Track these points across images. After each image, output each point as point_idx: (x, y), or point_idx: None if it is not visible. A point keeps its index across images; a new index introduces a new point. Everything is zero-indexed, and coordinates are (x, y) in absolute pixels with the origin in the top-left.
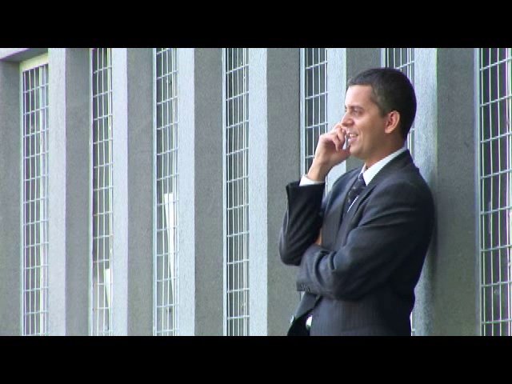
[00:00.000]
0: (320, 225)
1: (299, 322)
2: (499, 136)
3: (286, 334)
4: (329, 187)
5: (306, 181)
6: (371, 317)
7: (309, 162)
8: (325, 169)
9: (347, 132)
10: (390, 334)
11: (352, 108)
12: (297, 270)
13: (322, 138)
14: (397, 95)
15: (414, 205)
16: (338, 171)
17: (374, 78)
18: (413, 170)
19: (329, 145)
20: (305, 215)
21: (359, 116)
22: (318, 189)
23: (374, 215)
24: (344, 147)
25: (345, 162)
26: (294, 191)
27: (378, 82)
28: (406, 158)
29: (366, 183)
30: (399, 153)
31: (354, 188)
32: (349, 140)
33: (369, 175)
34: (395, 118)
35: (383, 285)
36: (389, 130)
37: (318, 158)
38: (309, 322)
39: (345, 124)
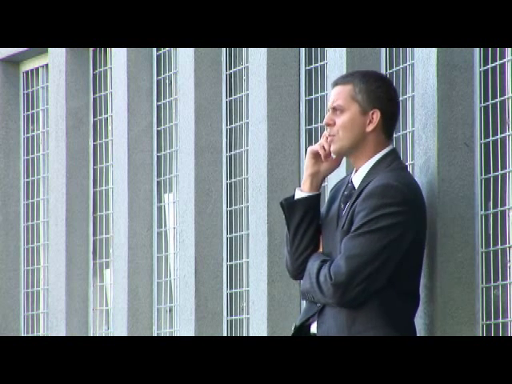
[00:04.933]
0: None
1: (301, 328)
2: (499, 136)
3: (285, 334)
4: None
5: (299, 194)
6: (375, 320)
7: None
8: (316, 179)
9: (328, 133)
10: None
11: (334, 108)
12: None
13: (309, 149)
14: (377, 93)
15: (401, 204)
16: (336, 178)
17: (355, 77)
18: (399, 169)
19: (317, 155)
20: (304, 228)
21: (340, 115)
22: (313, 200)
23: (363, 219)
24: (333, 156)
25: (344, 169)
26: (289, 205)
27: (360, 81)
28: (391, 157)
29: (356, 187)
30: (384, 152)
31: (346, 193)
32: (329, 139)
33: (357, 178)
34: (376, 116)
35: (385, 286)
36: (369, 128)
37: (307, 169)
38: (313, 329)
39: (327, 124)
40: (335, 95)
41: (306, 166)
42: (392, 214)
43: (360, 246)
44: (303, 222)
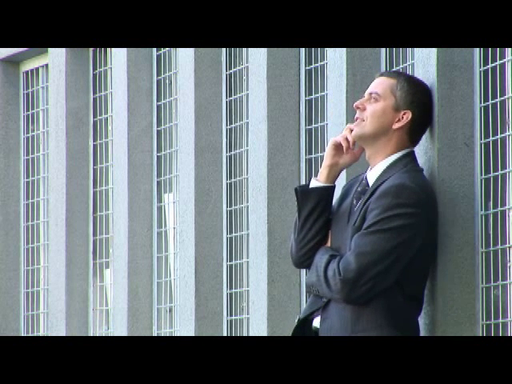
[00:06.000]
0: (330, 227)
1: (304, 322)
2: (499, 136)
3: (285, 334)
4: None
5: (314, 183)
6: (379, 319)
7: (309, 161)
8: (334, 171)
9: (356, 116)
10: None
11: (370, 94)
12: (296, 270)
13: (331, 140)
14: (416, 97)
15: (415, 205)
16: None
17: (402, 75)
18: (415, 171)
19: (338, 147)
20: (314, 217)
21: (374, 103)
22: (327, 191)
23: (376, 218)
24: (355, 149)
25: (344, 177)
26: (303, 193)
27: (404, 80)
28: (409, 158)
29: (370, 184)
30: (402, 153)
31: (359, 189)
32: (355, 123)
33: (372, 175)
34: (406, 117)
35: (392, 287)
36: (396, 125)
37: (326, 160)
38: (315, 323)
39: (356, 106)
40: (376, 84)
41: (326, 156)
42: (405, 215)
43: (371, 244)
44: (314, 211)
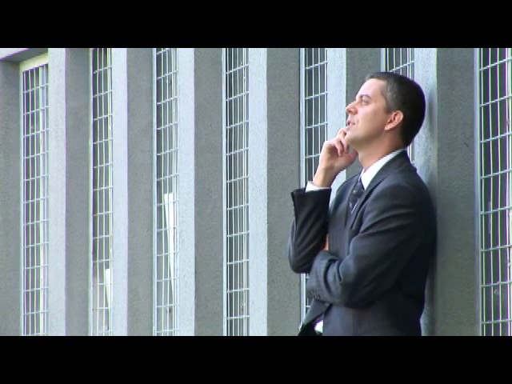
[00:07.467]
0: (327, 231)
1: (308, 328)
2: (499, 136)
3: (285, 334)
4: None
5: (310, 187)
6: (381, 321)
7: (308, 162)
8: (329, 174)
9: (348, 120)
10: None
11: (361, 97)
12: None
13: (325, 143)
14: (406, 98)
15: (410, 206)
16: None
17: (391, 76)
18: (409, 171)
19: (332, 150)
20: (311, 221)
21: (365, 105)
22: (324, 195)
23: (373, 220)
24: (350, 152)
25: (345, 177)
26: (300, 197)
27: (394, 81)
28: (402, 159)
29: (365, 186)
30: (395, 154)
31: (354, 192)
32: (346, 127)
33: (367, 178)
34: (398, 118)
35: (392, 288)
36: (388, 127)
37: (321, 163)
38: (318, 327)
39: (348, 110)
40: (367, 86)
41: (321, 159)
42: (402, 216)
43: (369, 247)
44: (311, 215)
